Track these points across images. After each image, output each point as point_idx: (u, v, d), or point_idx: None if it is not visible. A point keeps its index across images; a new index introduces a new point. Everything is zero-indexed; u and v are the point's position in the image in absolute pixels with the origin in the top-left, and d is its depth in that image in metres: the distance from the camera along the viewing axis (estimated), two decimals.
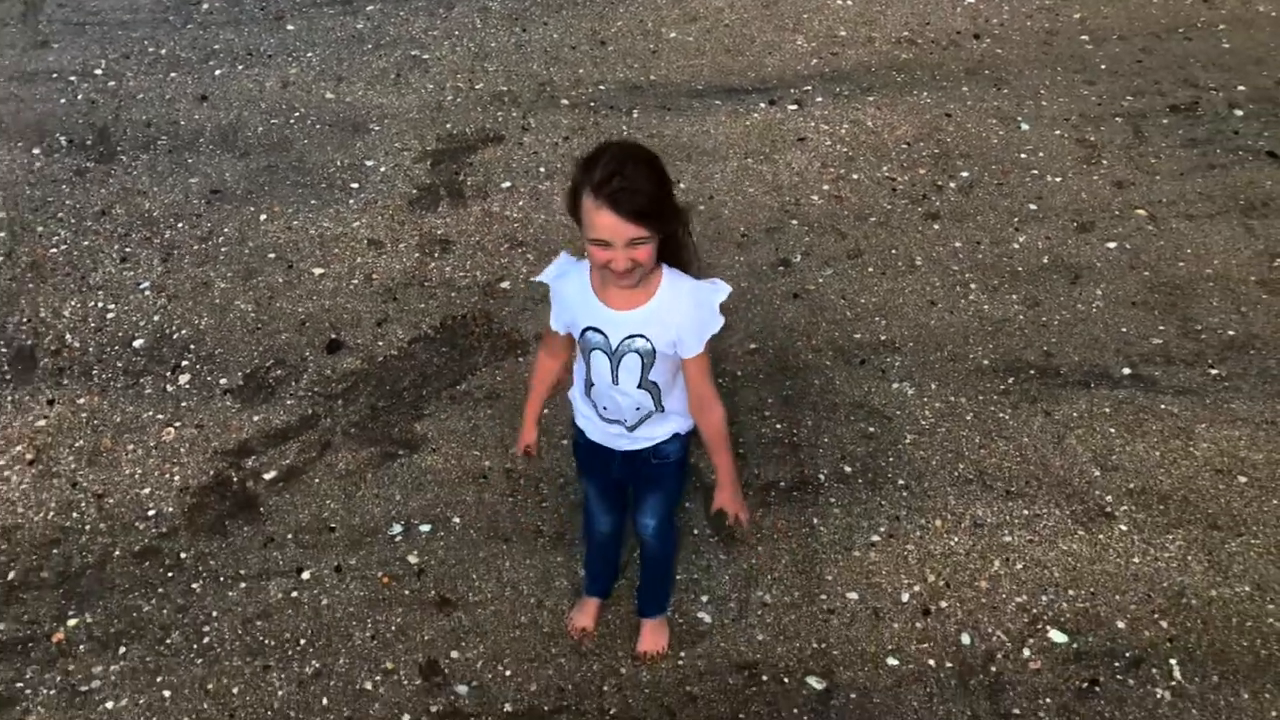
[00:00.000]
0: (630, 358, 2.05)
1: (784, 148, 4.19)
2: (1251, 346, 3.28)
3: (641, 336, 2.02)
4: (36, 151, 4.34)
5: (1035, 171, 4.03)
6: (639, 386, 2.09)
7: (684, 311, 2.01)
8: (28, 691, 2.54)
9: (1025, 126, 4.26)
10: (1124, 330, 3.36)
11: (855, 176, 4.04)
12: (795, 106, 4.42)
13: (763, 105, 4.43)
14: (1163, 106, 4.34)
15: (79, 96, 4.67)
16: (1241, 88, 4.42)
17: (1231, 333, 3.34)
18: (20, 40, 5.09)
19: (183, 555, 2.84)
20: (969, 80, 4.54)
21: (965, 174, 4.02)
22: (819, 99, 4.46)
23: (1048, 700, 2.44)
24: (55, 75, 4.81)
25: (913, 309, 3.47)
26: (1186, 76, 4.50)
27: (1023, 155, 4.11)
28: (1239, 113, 4.28)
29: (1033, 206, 3.86)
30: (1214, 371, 3.21)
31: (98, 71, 4.83)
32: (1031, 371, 3.24)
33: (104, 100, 4.64)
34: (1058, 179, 3.99)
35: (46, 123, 4.51)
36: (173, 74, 4.80)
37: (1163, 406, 3.11)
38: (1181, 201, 3.85)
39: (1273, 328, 3.34)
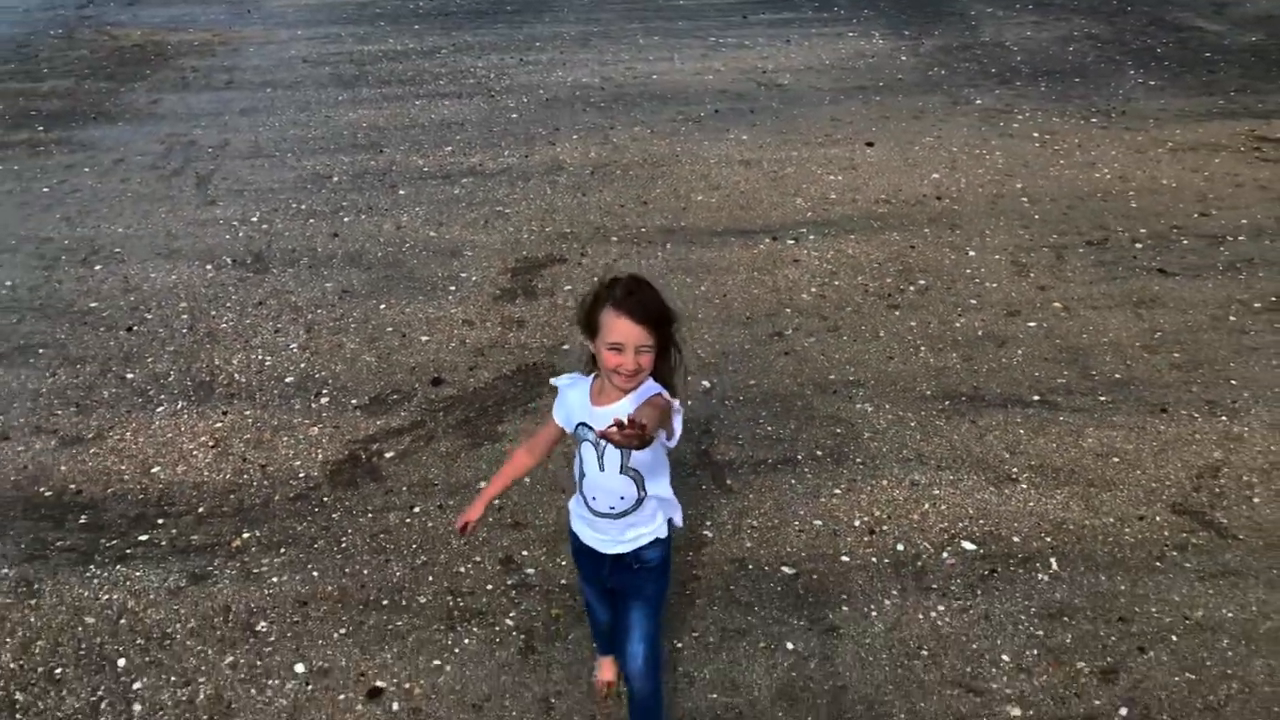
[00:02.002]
0: (612, 447, 2.37)
1: (782, 266, 5.41)
2: (1132, 384, 4.30)
3: None
4: (209, 268, 5.68)
5: (977, 281, 5.19)
6: (621, 472, 2.42)
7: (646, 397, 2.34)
8: (213, 573, 3.51)
9: (972, 253, 5.46)
10: (1036, 375, 4.40)
11: (836, 283, 5.22)
12: (793, 241, 5.68)
13: (767, 240, 5.70)
14: (1080, 242, 5.54)
15: (240, 234, 6.07)
16: (1143, 230, 5.63)
17: (1118, 376, 4.37)
18: (195, 200, 6.59)
19: (325, 499, 3.86)
20: (930, 225, 5.80)
21: (922, 282, 5.20)
22: (811, 237, 5.72)
23: (958, 581, 3.33)
24: (221, 222, 6.25)
25: (875, 362, 4.55)
26: (1101, 224, 5.74)
27: (968, 271, 5.29)
28: (1139, 245, 5.47)
29: (973, 302, 5.00)
30: (1102, 398, 4.22)
31: (253, 219, 6.27)
32: (963, 398, 4.26)
33: (258, 237, 6.03)
34: (994, 285, 5.14)
35: (215, 250, 5.88)
36: (310, 220, 6.21)
37: (1061, 418, 4.11)
38: (1089, 299, 4.97)
39: (1149, 373, 4.37)
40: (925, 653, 3.08)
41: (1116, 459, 3.86)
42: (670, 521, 2.57)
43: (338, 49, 10.11)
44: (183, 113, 8.35)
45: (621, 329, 2.26)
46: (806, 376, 4.46)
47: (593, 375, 2.46)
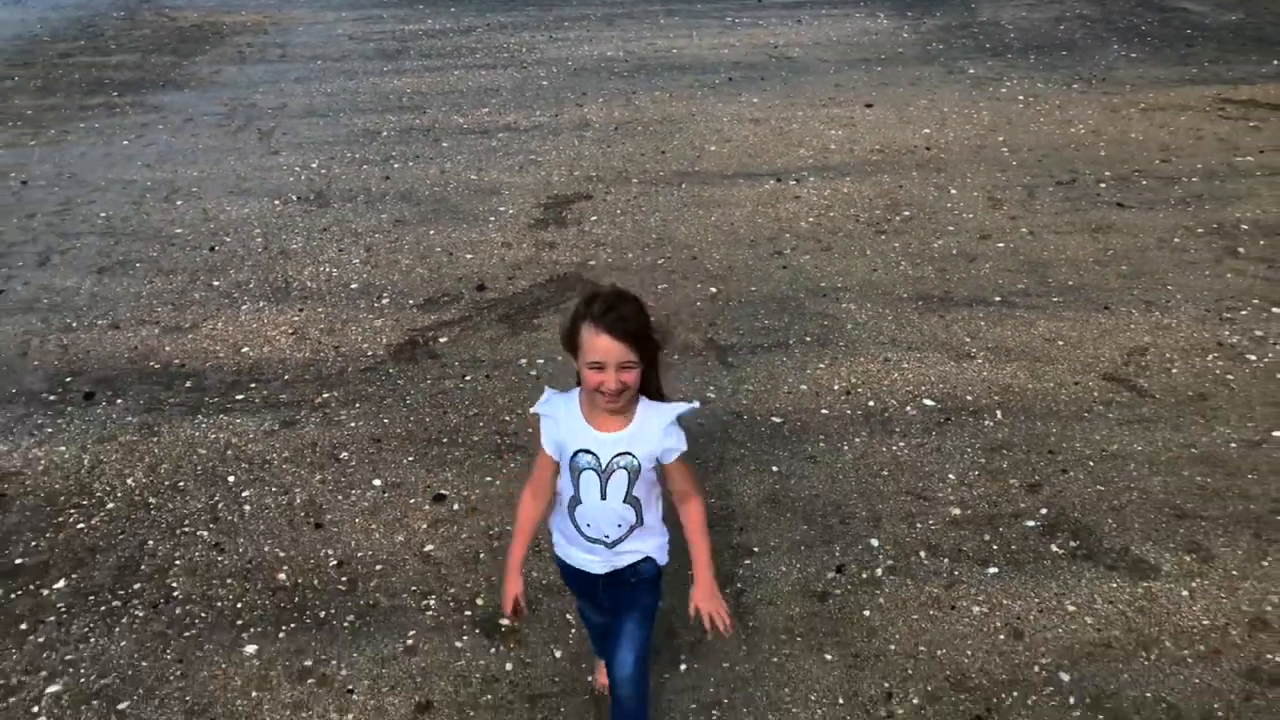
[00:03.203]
0: (618, 474, 2.30)
1: (784, 201, 6.11)
2: (1082, 289, 4.98)
3: (629, 454, 2.29)
4: (277, 203, 6.43)
5: (956, 213, 5.87)
6: (624, 500, 2.33)
7: (659, 431, 2.30)
8: (300, 420, 4.24)
9: (953, 191, 6.14)
10: (1000, 282, 5.08)
11: (831, 214, 5.91)
12: (795, 182, 6.38)
13: (772, 182, 6.39)
14: (1051, 182, 6.21)
15: (302, 177, 6.82)
16: (1108, 173, 6.30)
17: (1070, 283, 5.04)
18: (259, 150, 7.35)
19: (391, 371, 4.58)
20: (918, 170, 6.48)
21: (907, 213, 5.88)
22: (811, 179, 6.42)
23: (917, 426, 4.01)
24: (285, 168, 7.00)
25: (861, 273, 5.23)
26: (1071, 168, 6.40)
27: (949, 205, 5.97)
28: (1103, 185, 6.13)
29: (950, 228, 5.68)
30: (1055, 299, 4.89)
31: (313, 165, 7.02)
32: (934, 299, 4.95)
33: (319, 179, 6.78)
34: (970, 215, 5.82)
35: (281, 189, 6.63)
36: (364, 166, 6.96)
37: (1018, 313, 4.78)
38: (1054, 225, 5.64)
39: (1098, 280, 5.04)
40: (885, 473, 3.76)
41: (1061, 342, 4.54)
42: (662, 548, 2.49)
43: (380, 28, 10.89)
44: (242, 81, 9.13)
45: (601, 346, 2.17)
46: (800, 284, 5.16)
47: (578, 390, 2.36)
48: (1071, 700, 2.82)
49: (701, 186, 6.38)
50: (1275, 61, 8.28)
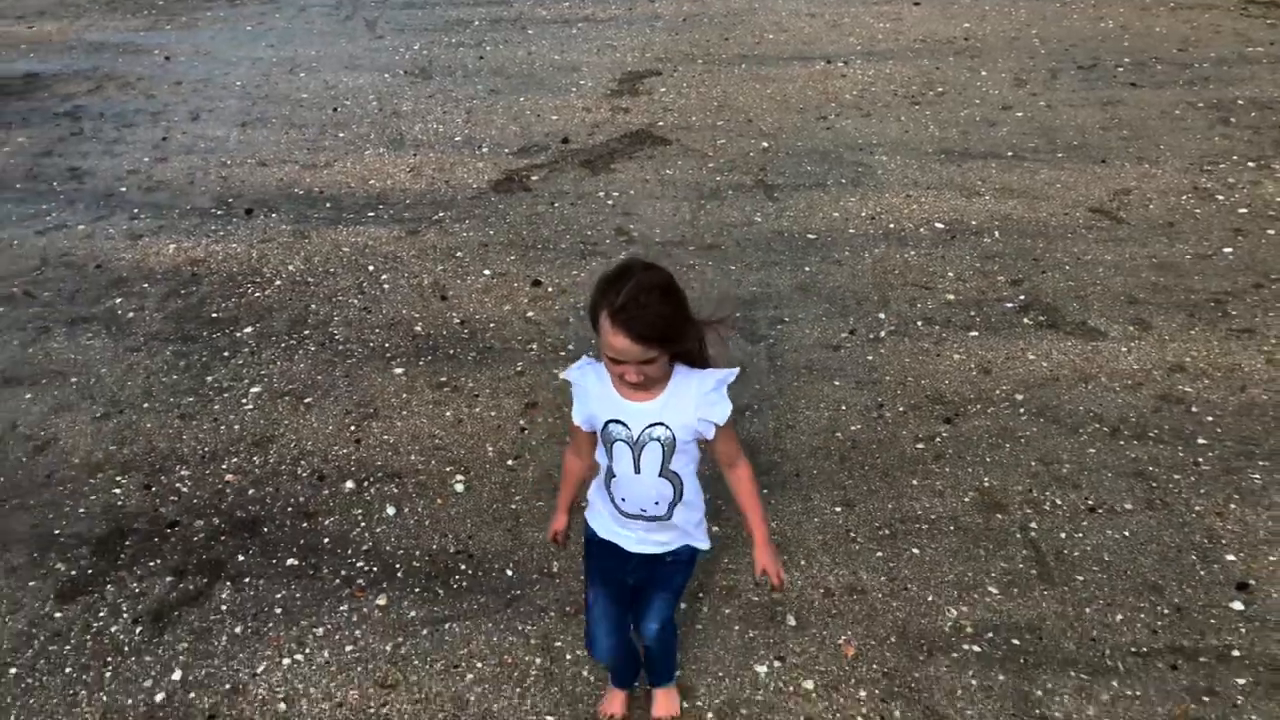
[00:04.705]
0: (651, 446, 2.15)
1: (832, 79, 6.90)
2: (1085, 148, 5.73)
3: (662, 425, 2.14)
4: (386, 76, 7.37)
5: (984, 90, 6.61)
6: (660, 475, 2.18)
7: (693, 401, 2.13)
8: (422, 230, 5.21)
9: (984, 73, 6.87)
10: (1014, 142, 5.85)
11: (873, 89, 6.70)
12: (843, 64, 7.15)
13: (822, 63, 7.17)
14: (1074, 67, 6.91)
15: (406, 57, 7.74)
16: (1127, 60, 6.97)
17: (1076, 143, 5.79)
18: (365, 36, 8.29)
19: (492, 199, 5.52)
20: (955, 56, 7.21)
21: (940, 89, 6.64)
22: (858, 61, 7.18)
23: (926, 241, 4.86)
24: (390, 49, 7.93)
25: (894, 134, 6.04)
26: (1094, 56, 7.08)
27: (979, 84, 6.71)
28: (1120, 69, 6.82)
29: (977, 101, 6.44)
30: (1059, 155, 5.66)
31: (415, 47, 7.94)
32: (955, 153, 5.74)
33: (420, 59, 7.70)
34: (996, 93, 6.56)
35: (388, 66, 7.57)
36: (460, 49, 7.86)
37: (1025, 164, 5.57)
38: (1069, 100, 6.37)
39: (1100, 142, 5.79)
40: (896, 272, 4.63)
41: (1059, 185, 5.33)
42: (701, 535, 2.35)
43: None
44: None
45: (618, 345, 2.01)
46: (840, 141, 5.98)
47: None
48: (1021, 411, 3.71)
49: (759, 66, 7.18)
50: None
